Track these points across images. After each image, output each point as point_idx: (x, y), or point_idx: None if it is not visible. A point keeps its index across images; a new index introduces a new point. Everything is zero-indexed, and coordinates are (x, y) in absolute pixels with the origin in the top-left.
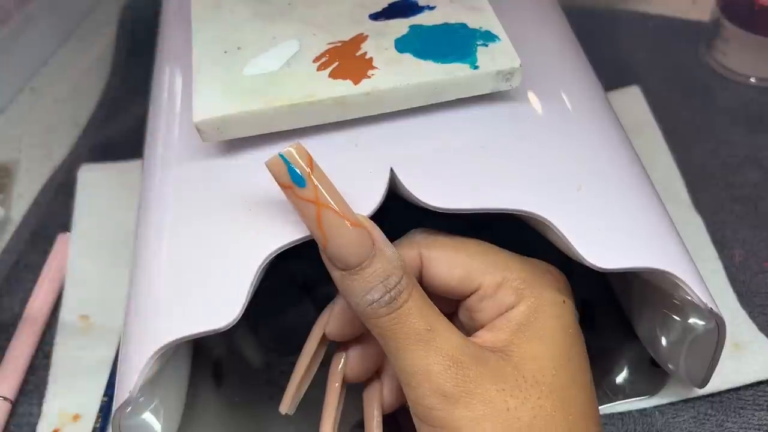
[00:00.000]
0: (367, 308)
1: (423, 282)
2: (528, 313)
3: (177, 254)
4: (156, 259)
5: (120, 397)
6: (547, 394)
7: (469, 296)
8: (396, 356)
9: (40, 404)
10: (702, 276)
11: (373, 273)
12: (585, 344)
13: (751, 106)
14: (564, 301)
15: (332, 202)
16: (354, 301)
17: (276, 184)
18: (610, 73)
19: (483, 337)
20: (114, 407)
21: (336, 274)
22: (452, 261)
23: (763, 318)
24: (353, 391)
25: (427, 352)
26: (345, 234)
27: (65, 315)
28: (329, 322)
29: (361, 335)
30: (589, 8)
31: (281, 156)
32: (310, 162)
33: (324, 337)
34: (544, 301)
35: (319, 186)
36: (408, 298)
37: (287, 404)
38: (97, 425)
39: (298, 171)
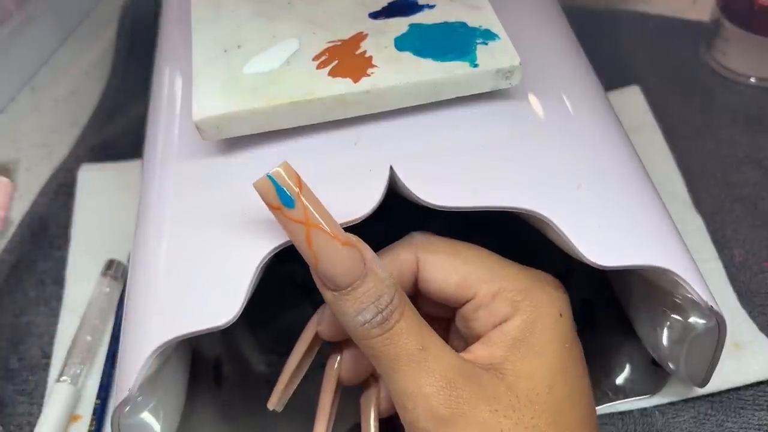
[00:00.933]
0: (359, 329)
1: (419, 286)
2: (523, 327)
3: (176, 252)
4: (155, 256)
5: (119, 395)
6: (540, 413)
7: (464, 304)
8: (389, 377)
9: (40, 404)
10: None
11: (365, 293)
12: (583, 355)
13: (751, 106)
14: (561, 314)
15: (322, 222)
16: (346, 322)
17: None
18: (610, 73)
19: (477, 352)
20: (113, 406)
21: (327, 295)
22: (449, 266)
23: (763, 318)
24: (351, 396)
25: (419, 373)
26: (335, 254)
27: (65, 315)
28: (322, 322)
29: None
30: (589, 8)
31: (269, 176)
32: (299, 181)
33: (316, 337)
34: (541, 314)
35: (308, 206)
36: (400, 318)
37: (275, 401)
38: (92, 428)
39: (286, 191)
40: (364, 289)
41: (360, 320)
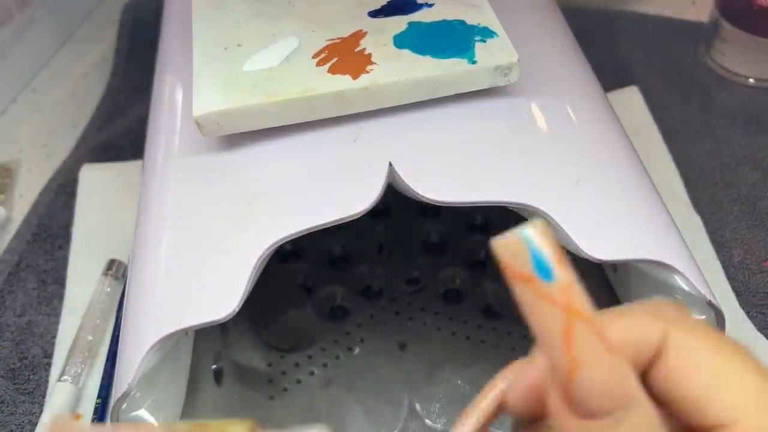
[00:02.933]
0: None
1: (648, 375)
2: None
3: (176, 246)
4: (155, 251)
5: (118, 390)
6: None
7: (702, 428)
8: None
9: (41, 404)
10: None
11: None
12: None
13: (750, 107)
14: None
15: (589, 312)
16: None
17: (507, 269)
18: (609, 73)
19: None
20: (112, 400)
21: (570, 424)
22: (717, 373)
23: (762, 318)
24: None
25: None
26: (602, 363)
27: (66, 315)
28: (510, 394)
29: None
30: (589, 8)
31: (522, 235)
32: (558, 248)
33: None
34: None
35: (574, 284)
36: None
37: None
38: None
39: (544, 257)
40: (628, 425)
41: None
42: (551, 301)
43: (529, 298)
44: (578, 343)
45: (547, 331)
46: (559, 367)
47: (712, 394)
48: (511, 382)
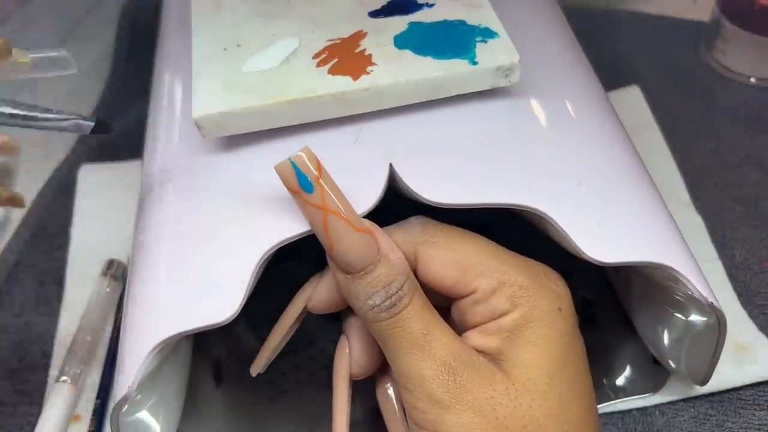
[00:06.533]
0: (369, 312)
1: (418, 276)
2: (520, 321)
3: (177, 248)
4: (155, 253)
5: (118, 393)
6: (540, 403)
7: (463, 298)
8: (394, 360)
9: (40, 404)
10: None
11: (376, 278)
12: (584, 351)
13: (751, 106)
14: (560, 309)
15: (340, 208)
16: (356, 305)
17: (284, 186)
18: (610, 73)
19: (474, 340)
20: (112, 404)
21: (340, 277)
22: (448, 261)
23: (764, 318)
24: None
25: (422, 357)
26: (350, 240)
27: (65, 315)
28: (313, 297)
29: (362, 332)
30: (589, 8)
31: (290, 161)
32: (319, 167)
33: (305, 308)
34: (539, 310)
35: (327, 191)
36: (408, 303)
37: (259, 367)
38: (92, 428)
39: (306, 176)
40: (375, 274)
41: (370, 304)
42: (313, 205)
43: (300, 204)
44: (331, 228)
45: (314, 225)
46: (325, 245)
47: (450, 279)
48: (309, 291)
